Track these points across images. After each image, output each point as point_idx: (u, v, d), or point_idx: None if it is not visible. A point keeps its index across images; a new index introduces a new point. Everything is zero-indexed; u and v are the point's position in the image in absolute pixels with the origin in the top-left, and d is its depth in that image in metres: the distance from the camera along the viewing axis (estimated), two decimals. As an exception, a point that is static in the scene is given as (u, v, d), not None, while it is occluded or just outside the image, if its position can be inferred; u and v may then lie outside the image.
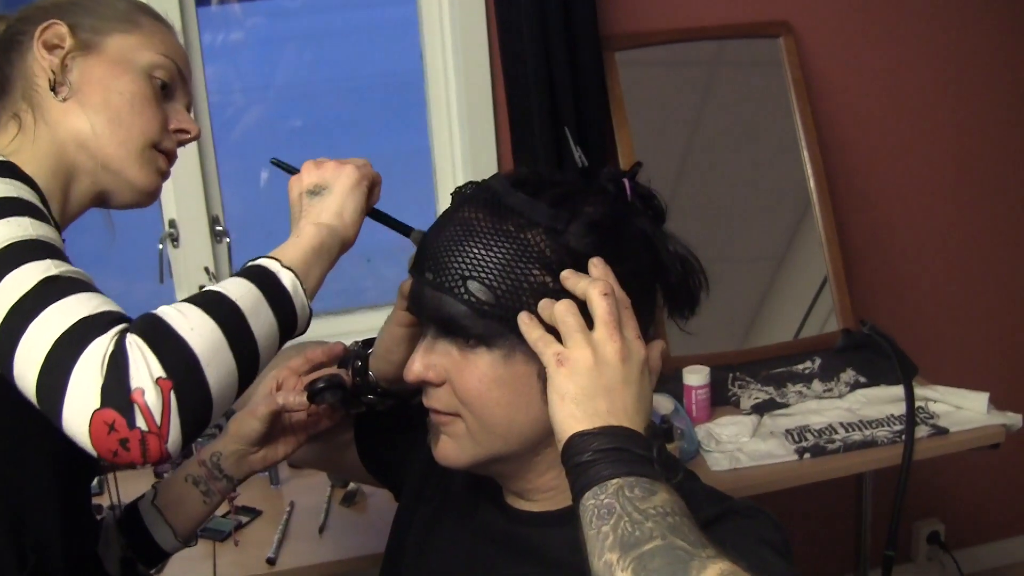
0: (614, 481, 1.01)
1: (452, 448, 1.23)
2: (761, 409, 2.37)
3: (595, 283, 1.11)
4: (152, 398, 1.00)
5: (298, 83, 3.05)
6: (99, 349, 1.00)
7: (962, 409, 2.32)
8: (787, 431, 2.27)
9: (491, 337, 1.16)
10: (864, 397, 2.40)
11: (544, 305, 1.13)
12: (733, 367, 2.54)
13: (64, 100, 1.27)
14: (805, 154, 2.76)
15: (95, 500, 1.68)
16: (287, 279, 1.16)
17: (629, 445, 1.04)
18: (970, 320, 3.14)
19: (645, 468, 1.03)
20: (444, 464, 1.24)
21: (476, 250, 1.16)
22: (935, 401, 2.34)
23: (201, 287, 1.57)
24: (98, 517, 1.48)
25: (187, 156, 2.47)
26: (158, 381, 1.00)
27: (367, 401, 1.44)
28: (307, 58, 3.09)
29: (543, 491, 1.26)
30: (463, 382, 1.18)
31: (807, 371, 2.52)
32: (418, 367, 1.21)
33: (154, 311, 1.07)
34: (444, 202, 2.76)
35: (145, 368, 1.00)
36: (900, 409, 2.31)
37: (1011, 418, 2.28)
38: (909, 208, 3.00)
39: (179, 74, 1.34)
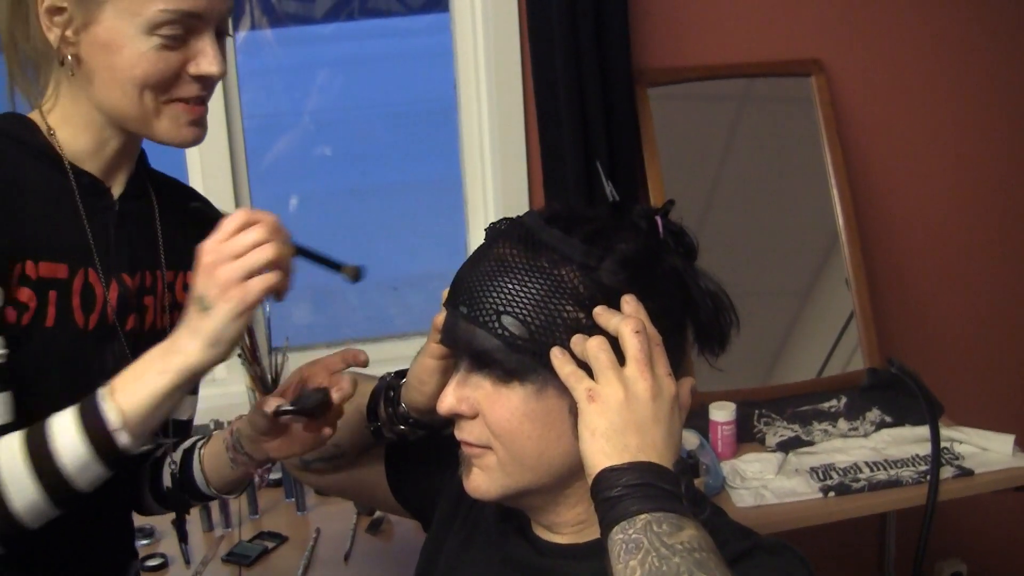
0: (642, 516, 1.03)
1: (483, 480, 1.24)
2: (786, 446, 2.37)
3: (627, 320, 1.13)
4: None
5: (330, 109, 3.08)
6: None
7: (987, 451, 2.31)
8: (812, 469, 2.27)
9: (524, 371, 1.18)
10: (889, 436, 2.40)
11: (576, 341, 1.15)
12: (759, 403, 2.55)
13: (74, 74, 1.31)
14: (834, 191, 2.77)
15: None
16: (122, 439, 1.21)
17: (657, 481, 1.06)
18: (996, 361, 3.13)
19: (673, 504, 1.05)
20: (475, 496, 1.25)
21: (511, 285, 1.18)
22: (960, 442, 2.34)
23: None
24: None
25: (221, 180, 2.51)
26: None
27: (398, 431, 1.45)
28: (339, 85, 3.13)
29: (572, 524, 1.27)
30: (495, 415, 1.20)
31: (833, 409, 2.52)
32: (451, 400, 1.23)
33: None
34: (475, 232, 2.79)
35: None
36: (925, 449, 2.31)
37: (1036, 459, 2.28)
38: (937, 247, 3.00)
39: (191, 17, 1.28)
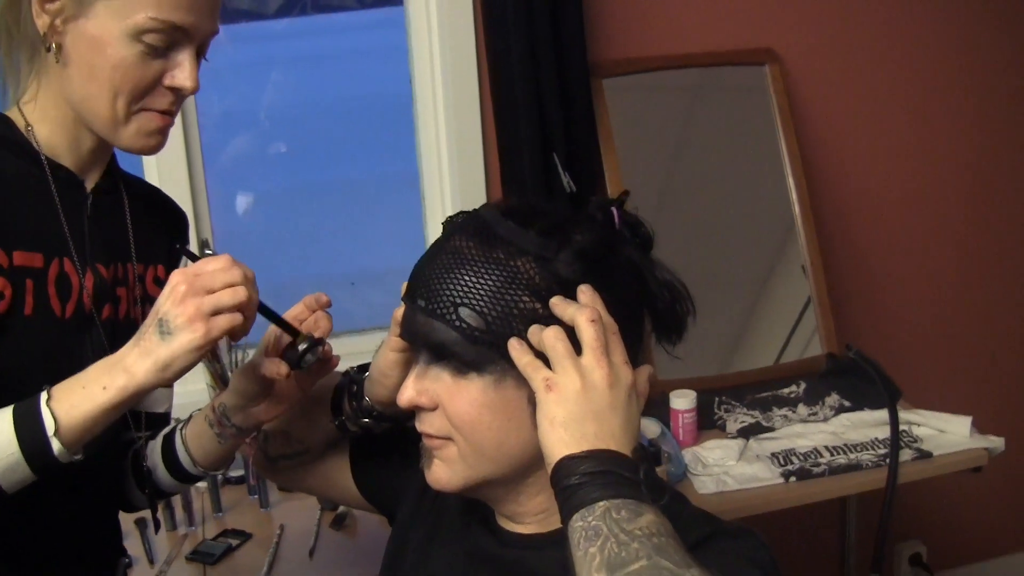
0: (601, 503, 1.05)
1: (444, 472, 1.25)
2: (747, 433, 2.39)
3: (582, 310, 1.14)
4: None
5: (285, 106, 3.06)
6: None
7: (945, 433, 2.34)
8: (773, 454, 2.29)
9: (482, 363, 1.19)
10: (848, 421, 2.42)
11: (533, 331, 1.16)
12: (719, 391, 2.56)
13: (60, 63, 1.32)
14: (790, 180, 2.79)
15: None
16: (55, 447, 1.21)
17: (616, 468, 1.08)
18: (953, 344, 3.17)
19: (632, 490, 1.06)
20: (437, 488, 1.27)
21: (467, 278, 1.19)
22: (918, 425, 2.36)
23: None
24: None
25: (178, 177, 2.49)
26: None
27: (363, 425, 1.46)
28: (293, 82, 3.11)
29: (534, 514, 1.28)
30: (455, 407, 1.21)
31: (792, 395, 2.54)
32: (411, 392, 1.24)
33: None
34: (433, 227, 2.79)
35: None
36: (884, 433, 2.33)
37: (993, 441, 2.30)
38: (893, 233, 3.03)
39: (178, 30, 1.31)
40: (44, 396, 1.22)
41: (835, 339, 2.74)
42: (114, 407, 1.22)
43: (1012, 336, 3.26)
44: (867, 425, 2.40)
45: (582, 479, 1.07)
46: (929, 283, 3.11)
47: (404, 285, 1.31)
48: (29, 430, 1.21)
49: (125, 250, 1.49)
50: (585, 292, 1.18)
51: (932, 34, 2.95)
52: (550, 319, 1.17)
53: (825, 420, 2.44)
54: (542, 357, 1.15)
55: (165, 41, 1.31)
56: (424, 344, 1.23)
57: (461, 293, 1.19)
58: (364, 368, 1.45)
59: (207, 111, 2.62)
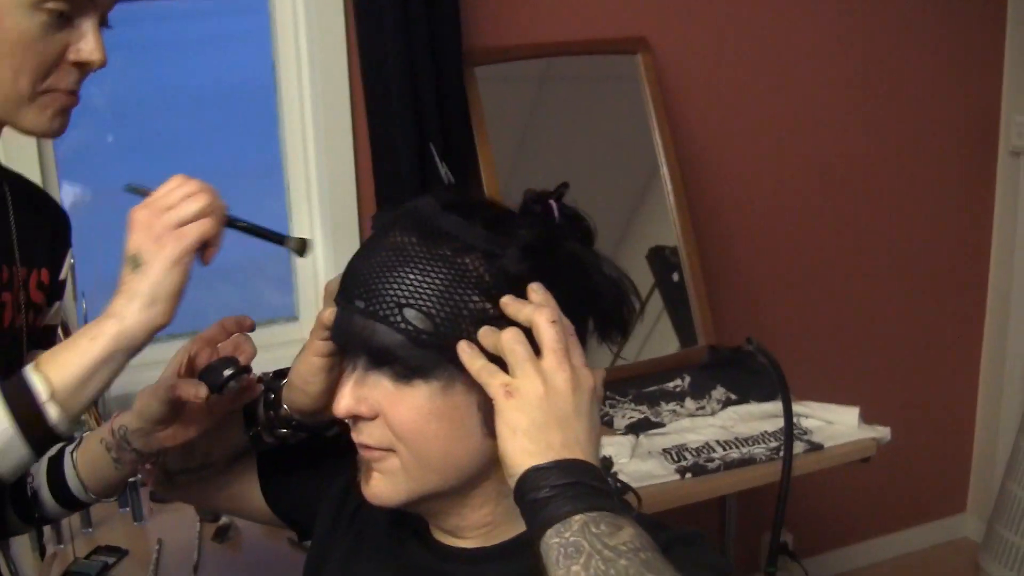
0: (577, 517, 0.97)
1: (385, 485, 1.15)
2: (636, 429, 2.34)
3: (541, 310, 1.06)
4: None
5: (129, 95, 2.89)
6: None
7: (833, 424, 2.34)
8: (664, 450, 2.25)
9: (428, 368, 1.09)
10: (736, 414, 2.40)
11: (485, 333, 1.08)
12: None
13: None
14: (664, 170, 2.76)
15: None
16: (52, 413, 1.11)
17: (586, 479, 1.00)
18: (835, 335, 3.20)
19: (605, 502, 0.99)
20: (376, 503, 1.16)
21: (412, 276, 1.09)
22: (807, 417, 2.36)
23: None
24: None
25: (27, 171, 2.30)
26: None
27: (279, 435, 1.34)
28: (141, 69, 2.94)
29: (478, 527, 1.19)
30: (398, 416, 1.11)
31: (678, 389, 2.51)
32: (348, 401, 1.13)
33: None
34: (298, 221, 2.66)
35: None
36: (773, 425, 2.32)
37: (880, 431, 2.31)
38: (767, 222, 3.04)
39: None
40: (28, 366, 1.11)
41: (713, 331, 2.72)
42: (107, 359, 1.12)
43: (895, 325, 3.32)
44: (755, 418, 2.38)
45: (552, 491, 0.99)
46: (806, 274, 3.13)
47: (330, 284, 1.21)
48: (20, 400, 1.09)
49: (8, 251, 1.34)
50: (537, 291, 1.10)
51: (802, 26, 2.97)
52: (500, 319, 1.08)
53: (713, 414, 2.41)
54: (495, 360, 1.06)
55: (68, 6, 1.18)
56: (363, 348, 1.12)
57: (406, 293, 1.09)
58: (281, 374, 1.34)
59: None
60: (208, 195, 1.16)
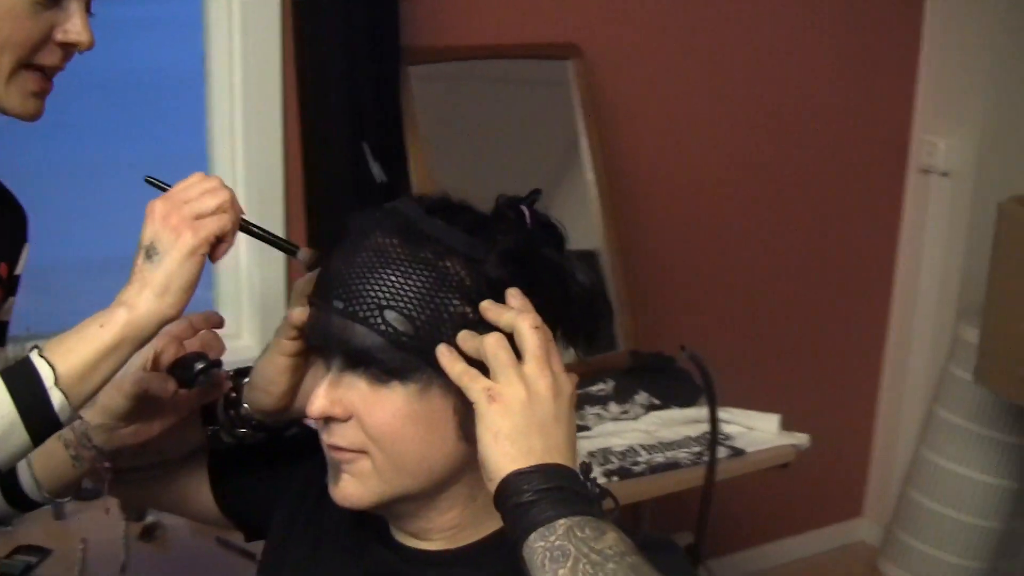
0: (561, 522, 0.99)
1: (356, 488, 1.16)
2: (562, 431, 2.37)
3: (523, 315, 1.08)
4: None
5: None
6: None
7: (754, 430, 2.40)
8: (590, 453, 2.28)
9: (406, 370, 1.11)
10: (659, 419, 2.44)
11: (465, 337, 1.09)
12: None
13: None
14: (591, 175, 2.79)
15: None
16: (56, 400, 1.09)
17: (568, 483, 1.03)
18: (755, 342, 3.27)
19: (587, 506, 1.03)
20: (345, 505, 1.17)
21: (393, 278, 1.11)
22: (729, 423, 2.41)
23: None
24: None
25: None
26: None
27: (239, 435, 1.33)
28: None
29: (445, 530, 1.21)
30: (374, 418, 1.12)
31: (602, 393, 2.55)
32: (323, 402, 1.13)
33: None
34: None
35: None
36: (695, 430, 2.37)
37: (799, 438, 2.38)
38: (693, 229, 3.09)
39: None
40: (32, 352, 1.08)
41: (634, 337, 2.76)
42: (115, 347, 1.10)
43: (805, 334, 3.40)
44: (677, 423, 2.43)
45: (535, 496, 1.02)
46: (731, 281, 3.19)
47: (302, 283, 1.22)
48: (24, 384, 1.07)
49: None
50: (516, 296, 1.12)
51: (729, 39, 3.03)
52: (480, 324, 1.10)
53: (636, 418, 2.45)
54: (475, 365, 1.08)
55: None
56: (340, 349, 1.13)
57: (387, 295, 1.10)
58: (242, 372, 1.33)
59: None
60: (227, 193, 1.17)
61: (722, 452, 2.29)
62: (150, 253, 1.12)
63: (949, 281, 3.35)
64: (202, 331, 1.30)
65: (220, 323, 1.32)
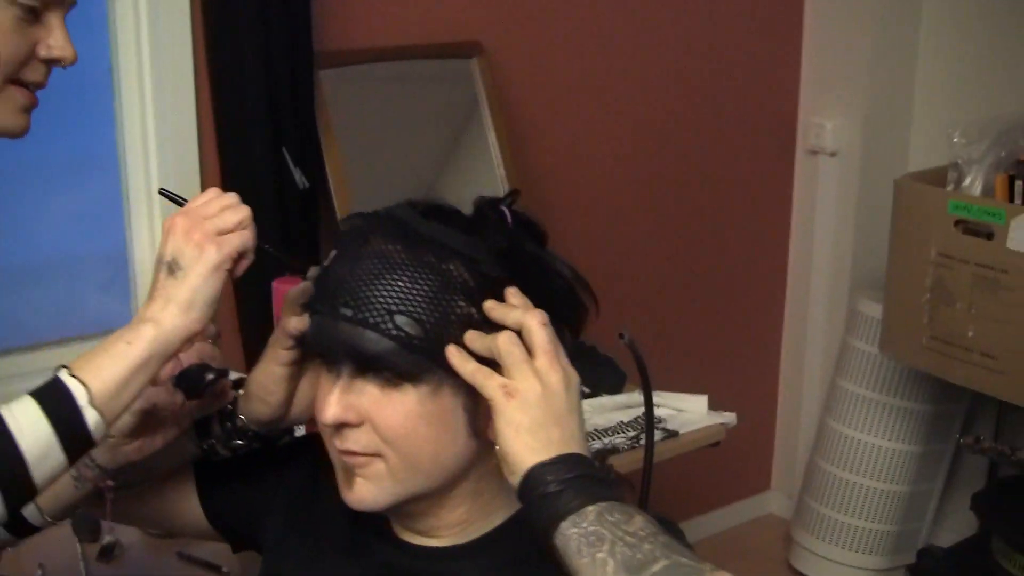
0: (591, 508, 1.04)
1: (370, 490, 1.18)
2: (497, 423, 2.40)
3: (532, 312, 1.13)
4: None
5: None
6: None
7: (683, 412, 2.46)
8: (528, 443, 2.32)
9: (418, 372, 1.14)
10: (589, 407, 2.49)
11: (474, 337, 1.13)
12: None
13: None
14: (499, 171, 2.82)
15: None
16: (91, 419, 1.09)
17: (589, 471, 1.08)
18: (659, 324, 3.34)
19: (610, 492, 1.07)
20: (360, 508, 1.19)
21: (400, 283, 1.14)
22: (659, 406, 2.47)
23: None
24: None
25: None
26: None
27: (235, 447, 1.33)
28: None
29: (453, 526, 1.24)
30: (387, 420, 1.15)
31: (532, 385, 2.58)
32: (336, 409, 1.15)
33: None
34: (137, 214, 2.55)
35: None
36: (626, 416, 2.43)
37: (727, 416, 2.45)
38: (607, 215, 3.16)
39: None
40: (61, 373, 1.08)
41: (555, 327, 2.80)
42: (144, 364, 1.11)
43: (707, 313, 3.50)
44: (608, 410, 2.48)
45: (560, 485, 1.06)
46: (649, 270, 3.27)
47: (290, 294, 1.22)
48: (57, 405, 1.06)
49: None
50: (515, 294, 1.16)
51: (622, 22, 3.10)
52: (484, 323, 1.14)
53: (569, 407, 2.49)
54: (482, 362, 1.11)
55: (39, 3, 1.18)
56: (350, 356, 1.15)
57: (396, 300, 1.13)
58: (236, 385, 1.33)
59: None
60: (247, 209, 1.18)
61: (657, 435, 2.35)
62: (173, 268, 1.13)
63: (842, 257, 3.48)
64: (197, 343, 1.30)
65: (216, 334, 1.32)
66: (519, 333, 1.12)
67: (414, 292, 1.13)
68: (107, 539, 1.95)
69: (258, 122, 2.43)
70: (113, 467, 1.29)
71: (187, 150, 2.51)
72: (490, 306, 1.14)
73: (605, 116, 3.12)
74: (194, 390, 1.26)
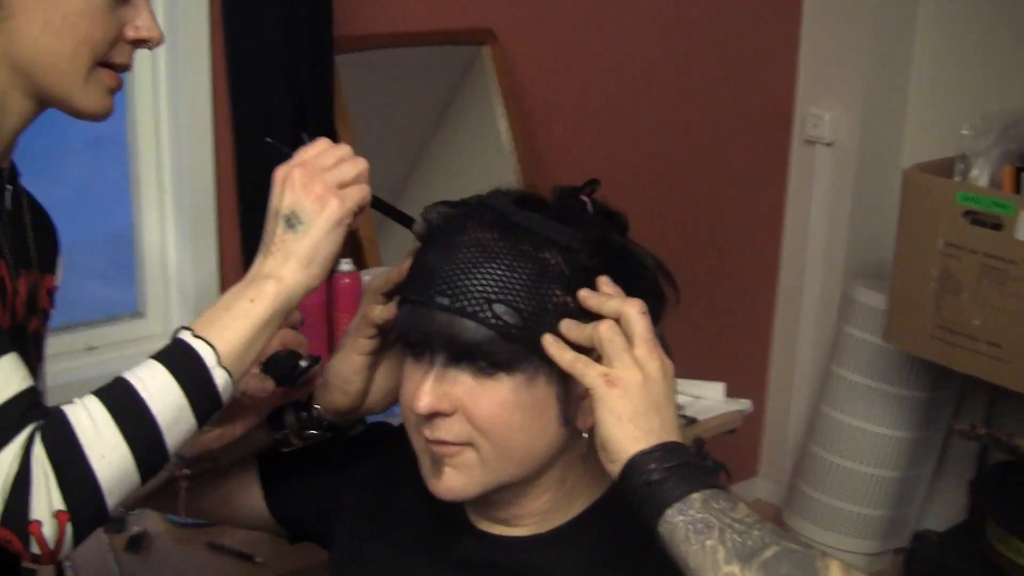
0: (696, 495, 1.05)
1: (460, 479, 1.18)
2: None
3: (630, 301, 1.13)
4: (49, 531, 0.98)
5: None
6: (4, 465, 0.96)
7: (701, 399, 2.48)
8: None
9: (515, 361, 1.14)
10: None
11: (571, 326, 1.14)
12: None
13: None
14: (513, 160, 2.83)
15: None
16: (220, 379, 1.08)
17: (690, 459, 1.09)
18: (675, 309, 3.35)
19: (713, 479, 1.08)
20: (449, 497, 1.19)
21: (499, 271, 1.14)
22: (677, 393, 2.48)
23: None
24: None
25: None
26: (57, 515, 0.98)
27: (308, 437, 1.32)
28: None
29: (536, 515, 1.24)
30: (481, 410, 1.15)
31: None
32: (430, 398, 1.15)
33: (67, 413, 1.01)
34: (147, 198, 2.54)
35: (46, 500, 0.97)
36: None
37: (743, 404, 2.48)
38: (621, 204, 3.15)
39: None
40: (183, 334, 1.06)
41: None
42: (268, 321, 1.09)
43: (707, 300, 3.52)
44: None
45: (664, 473, 1.07)
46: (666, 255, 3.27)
47: (379, 283, 1.22)
48: (187, 367, 1.05)
49: (28, 257, 1.27)
50: (608, 283, 1.17)
51: (636, 18, 3.11)
52: (580, 312, 1.15)
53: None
54: (581, 352, 1.12)
55: None
56: (446, 344, 1.15)
57: (494, 288, 1.13)
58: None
59: None
60: (364, 162, 1.16)
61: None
62: (292, 222, 1.11)
63: (836, 246, 3.51)
64: (282, 329, 1.29)
65: (300, 321, 1.31)
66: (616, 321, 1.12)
67: (512, 281, 1.13)
68: (135, 529, 1.93)
69: (276, 106, 2.41)
70: (192, 456, 1.28)
71: (202, 133, 2.48)
72: (586, 295, 1.15)
73: (609, 103, 3.14)
74: (287, 377, 1.24)
